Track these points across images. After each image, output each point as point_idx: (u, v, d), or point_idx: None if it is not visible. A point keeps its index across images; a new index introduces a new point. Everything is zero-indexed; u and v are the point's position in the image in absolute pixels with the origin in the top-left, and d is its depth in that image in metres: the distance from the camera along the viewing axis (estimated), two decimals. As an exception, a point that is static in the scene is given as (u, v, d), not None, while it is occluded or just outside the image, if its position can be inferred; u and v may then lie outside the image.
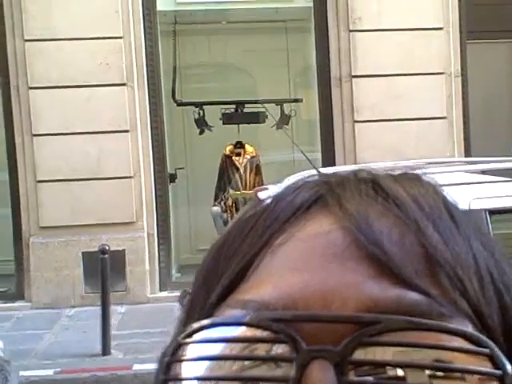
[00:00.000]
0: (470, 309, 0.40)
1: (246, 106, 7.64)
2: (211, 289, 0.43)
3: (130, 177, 6.67)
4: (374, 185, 0.44)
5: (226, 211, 7.53)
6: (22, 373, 4.09)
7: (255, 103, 7.68)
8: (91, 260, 6.21)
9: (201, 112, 7.70)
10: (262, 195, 3.42)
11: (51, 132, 6.55)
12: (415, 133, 6.71)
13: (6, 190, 6.82)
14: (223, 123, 7.60)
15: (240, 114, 7.61)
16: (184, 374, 0.39)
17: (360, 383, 0.36)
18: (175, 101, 7.61)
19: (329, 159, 6.91)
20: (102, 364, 4.93)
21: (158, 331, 5.32)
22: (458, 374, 0.37)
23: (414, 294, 0.39)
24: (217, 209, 7.54)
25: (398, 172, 0.47)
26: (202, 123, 7.73)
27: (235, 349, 0.38)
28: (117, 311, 5.86)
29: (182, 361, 0.39)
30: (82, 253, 6.53)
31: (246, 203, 7.45)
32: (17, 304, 6.56)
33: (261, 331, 0.38)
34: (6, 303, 6.59)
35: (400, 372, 0.36)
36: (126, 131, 6.65)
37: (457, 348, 0.37)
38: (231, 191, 7.55)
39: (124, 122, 6.62)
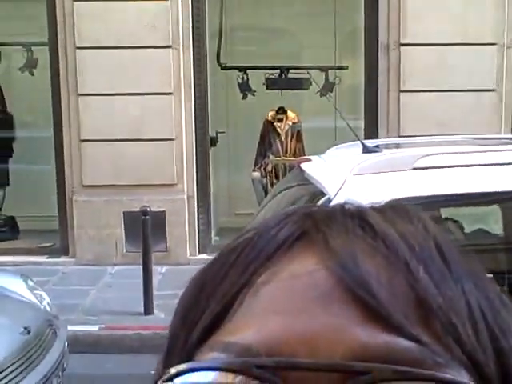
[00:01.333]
0: (464, 356, 0.38)
1: (291, 71, 7.59)
2: (192, 326, 0.41)
3: (172, 139, 6.71)
4: (361, 221, 0.42)
5: (265, 177, 7.55)
6: (68, 327, 4.20)
7: (300, 69, 7.61)
8: (132, 220, 6.32)
9: (244, 76, 7.67)
10: (304, 167, 3.42)
11: (96, 92, 6.60)
12: (462, 105, 6.60)
13: (51, 147, 6.93)
14: (266, 88, 7.56)
15: (284, 79, 7.56)
16: None
17: None
18: (220, 64, 7.59)
19: (371, 129, 6.85)
20: (144, 323, 5.04)
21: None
22: None
23: (405, 341, 0.37)
24: (256, 174, 7.57)
25: (384, 204, 0.45)
26: (245, 88, 7.70)
27: None
28: (157, 271, 5.95)
29: None
30: (124, 212, 6.63)
31: (286, 169, 7.48)
32: (61, 259, 6.71)
33: (245, 378, 0.36)
34: (51, 258, 6.75)
35: None
36: (170, 93, 6.66)
37: None
38: (271, 157, 7.56)
39: (168, 85, 6.63)
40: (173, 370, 0.38)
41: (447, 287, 0.39)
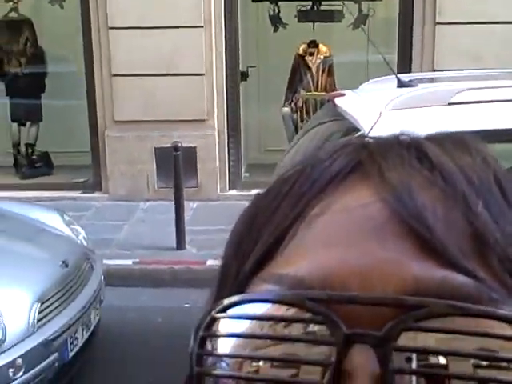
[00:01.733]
0: None
1: (323, 3, 7.41)
2: (244, 258, 0.41)
3: (202, 74, 6.65)
4: (418, 153, 0.41)
5: (296, 112, 7.48)
6: (103, 261, 4.30)
7: (332, 0, 7.43)
8: (163, 155, 6.35)
9: (276, 8, 7.52)
10: (338, 101, 3.37)
11: (127, 26, 6.53)
12: (499, 38, 6.39)
13: (83, 82, 6.93)
14: (298, 21, 7.42)
15: (316, 11, 7.40)
16: (219, 350, 0.38)
17: (403, 370, 0.34)
18: (250, -4, 7.45)
19: (405, 62, 6.69)
20: (177, 257, 5.13)
21: (229, 229, 5.44)
22: (504, 364, 0.34)
23: (460, 276, 0.36)
24: (287, 110, 7.50)
25: (443, 135, 0.43)
26: (276, 20, 7.56)
27: (270, 327, 0.37)
28: (188, 207, 6.00)
29: (216, 336, 0.38)
30: (155, 148, 6.66)
31: (317, 105, 7.39)
32: (95, 195, 6.79)
33: (297, 310, 0.36)
34: (85, 193, 6.85)
35: (443, 360, 0.34)
36: (201, 27, 6.57)
37: (505, 336, 0.34)
38: (302, 92, 7.46)
39: (198, 18, 6.53)
40: (226, 301, 0.38)
41: (506, 222, 0.38)
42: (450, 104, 2.76)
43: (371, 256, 0.37)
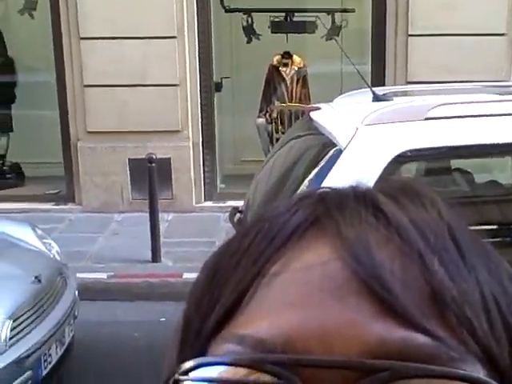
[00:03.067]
0: (479, 350, 0.37)
1: (296, 14, 7.44)
2: (206, 315, 0.41)
3: (176, 85, 6.63)
4: (374, 209, 0.41)
5: (270, 123, 7.49)
6: (77, 275, 4.25)
7: (305, 12, 7.46)
8: (138, 167, 6.30)
9: (249, 19, 7.53)
10: (314, 115, 3.38)
11: (99, 36, 6.48)
12: (471, 50, 6.47)
13: (54, 92, 6.85)
14: (271, 32, 7.42)
15: (289, 22, 7.42)
16: None
17: None
18: (223, 7, 7.43)
19: (379, 73, 6.75)
20: (152, 270, 5.08)
21: (205, 241, 5.45)
22: None
23: (420, 336, 0.36)
24: (262, 120, 7.51)
25: (397, 186, 0.44)
26: (249, 31, 7.57)
27: None
28: (164, 219, 5.97)
29: None
30: (129, 159, 6.61)
31: (292, 115, 7.41)
32: (68, 206, 6.72)
33: (260, 373, 0.36)
34: (57, 205, 6.76)
35: None
36: (174, 37, 6.55)
37: None
38: (277, 103, 7.47)
39: (172, 28, 6.51)
40: (188, 364, 0.38)
41: (462, 279, 0.39)
42: (426, 119, 2.78)
43: (332, 317, 0.37)
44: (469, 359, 0.37)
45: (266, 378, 0.36)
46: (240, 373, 0.37)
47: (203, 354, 0.40)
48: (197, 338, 0.41)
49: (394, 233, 0.39)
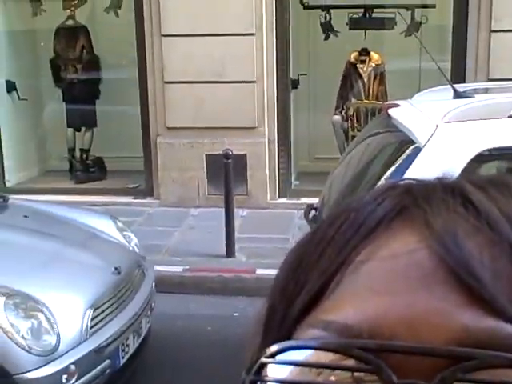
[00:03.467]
0: None
1: (375, 10, 7.34)
2: (290, 301, 0.42)
3: (253, 81, 6.67)
4: (463, 199, 0.40)
5: (346, 121, 7.42)
6: (154, 267, 4.34)
7: (384, 8, 7.36)
8: (214, 162, 6.38)
9: (327, 16, 7.48)
10: (392, 112, 3.33)
11: (179, 33, 6.60)
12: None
13: (136, 88, 7.03)
14: (350, 28, 7.36)
15: (368, 19, 7.33)
16: None
17: None
18: (302, 3, 7.42)
19: (459, 70, 6.58)
20: (227, 265, 5.14)
21: (279, 237, 5.47)
22: None
23: (509, 326, 0.36)
24: (338, 118, 7.45)
25: (485, 178, 0.43)
26: (327, 27, 7.52)
27: (319, 374, 0.37)
28: (238, 214, 6.01)
29: (265, 381, 0.38)
30: (206, 155, 6.70)
31: (368, 113, 7.32)
32: (147, 200, 6.87)
33: (347, 358, 0.36)
34: (137, 199, 6.93)
35: None
36: (252, 34, 6.58)
37: None
38: (353, 100, 7.40)
39: (250, 25, 6.55)
40: (274, 347, 0.38)
41: None
42: (510, 117, 2.69)
43: (420, 305, 0.37)
44: None
45: (353, 363, 0.36)
46: (326, 357, 0.37)
47: (288, 339, 0.40)
48: (282, 324, 0.42)
49: (483, 223, 0.39)
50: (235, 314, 4.49)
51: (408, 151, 2.84)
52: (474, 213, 0.40)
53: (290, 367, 0.38)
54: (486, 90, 4.23)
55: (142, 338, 3.67)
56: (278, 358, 0.38)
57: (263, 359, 0.38)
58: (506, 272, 0.37)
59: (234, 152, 5.74)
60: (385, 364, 0.36)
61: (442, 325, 0.36)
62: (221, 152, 5.68)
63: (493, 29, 6.38)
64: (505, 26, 6.32)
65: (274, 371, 0.38)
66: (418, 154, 2.69)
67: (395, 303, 0.37)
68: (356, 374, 0.36)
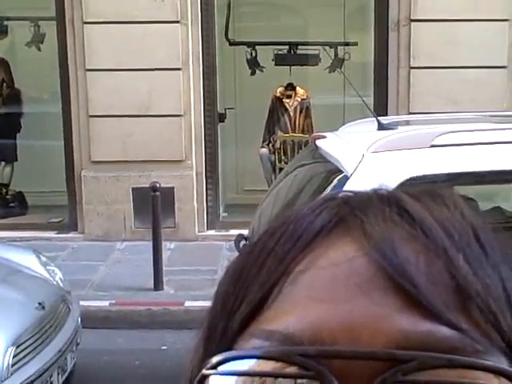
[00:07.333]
0: (503, 343, 0.38)
1: (299, 47, 7.54)
2: (231, 313, 0.42)
3: (181, 115, 6.68)
4: (398, 208, 0.42)
5: (273, 153, 7.53)
6: (80, 303, 4.22)
7: (308, 45, 7.56)
8: (141, 196, 6.32)
9: (253, 52, 7.63)
10: (320, 143, 3.40)
11: (104, 67, 6.56)
12: (473, 82, 6.54)
13: (59, 122, 6.91)
14: (275, 64, 7.53)
15: (293, 55, 7.52)
16: None
17: None
18: (228, 40, 7.54)
19: (381, 105, 6.80)
20: (154, 298, 5.06)
21: (208, 269, 5.44)
22: None
23: (445, 328, 0.37)
24: (265, 150, 7.55)
25: (419, 189, 0.44)
26: (253, 63, 7.66)
27: (260, 383, 0.37)
28: (166, 247, 5.96)
29: None
30: (132, 188, 6.63)
31: (295, 146, 7.45)
32: (70, 235, 6.72)
33: (288, 366, 0.37)
34: (60, 233, 6.76)
35: None
36: (178, 69, 6.62)
37: None
38: (280, 133, 7.53)
39: (176, 60, 6.59)
40: (216, 358, 0.38)
41: (485, 274, 0.40)
42: (432, 146, 2.79)
43: (359, 311, 0.37)
44: (493, 352, 0.37)
45: (295, 370, 0.36)
46: (269, 366, 0.37)
47: (230, 350, 0.40)
48: (223, 336, 0.42)
49: (418, 230, 0.40)
50: (163, 348, 4.42)
51: (336, 180, 2.90)
52: (409, 221, 0.41)
53: (233, 378, 0.37)
54: (408, 122, 4.38)
55: (66, 374, 3.55)
56: (220, 368, 0.38)
57: (204, 371, 0.38)
58: (440, 277, 0.38)
59: (162, 185, 5.71)
60: (326, 370, 0.36)
61: (381, 329, 0.37)
62: (148, 185, 5.63)
63: (412, 66, 6.65)
64: (422, 63, 6.61)
65: (215, 382, 0.38)
66: (345, 182, 2.75)
67: (335, 310, 0.38)
68: (299, 381, 0.36)
